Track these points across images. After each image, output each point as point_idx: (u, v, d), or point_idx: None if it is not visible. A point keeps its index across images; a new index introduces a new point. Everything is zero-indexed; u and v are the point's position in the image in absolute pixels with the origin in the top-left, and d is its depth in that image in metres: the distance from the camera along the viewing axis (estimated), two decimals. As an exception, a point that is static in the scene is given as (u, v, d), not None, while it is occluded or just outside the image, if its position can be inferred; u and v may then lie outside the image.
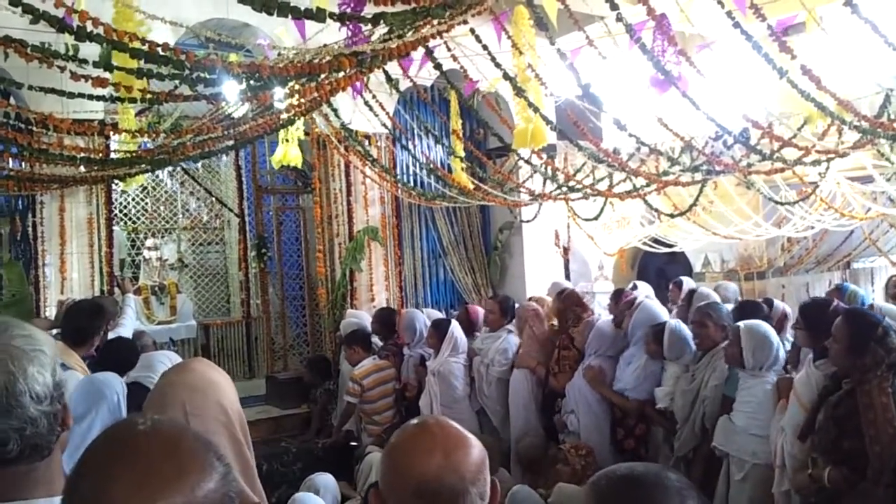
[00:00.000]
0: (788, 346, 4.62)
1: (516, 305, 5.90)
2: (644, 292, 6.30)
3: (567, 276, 8.82)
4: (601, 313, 7.37)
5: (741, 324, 4.00)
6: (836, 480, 3.15)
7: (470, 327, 6.00)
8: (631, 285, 6.86)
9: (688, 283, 6.77)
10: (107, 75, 3.82)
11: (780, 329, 4.80)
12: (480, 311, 6.16)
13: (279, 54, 4.89)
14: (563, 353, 5.09)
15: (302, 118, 5.49)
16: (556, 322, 5.63)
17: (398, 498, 1.38)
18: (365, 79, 5.21)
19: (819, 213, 7.63)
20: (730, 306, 5.02)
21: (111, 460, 0.94)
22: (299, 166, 6.97)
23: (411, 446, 1.40)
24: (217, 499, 0.94)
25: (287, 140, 6.24)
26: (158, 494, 0.89)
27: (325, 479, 4.13)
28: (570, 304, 5.32)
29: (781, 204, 7.34)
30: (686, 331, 4.54)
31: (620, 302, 5.91)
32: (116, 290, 6.78)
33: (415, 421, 1.51)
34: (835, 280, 9.51)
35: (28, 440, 1.19)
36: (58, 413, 1.25)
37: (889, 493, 2.97)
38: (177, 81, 4.07)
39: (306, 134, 7.27)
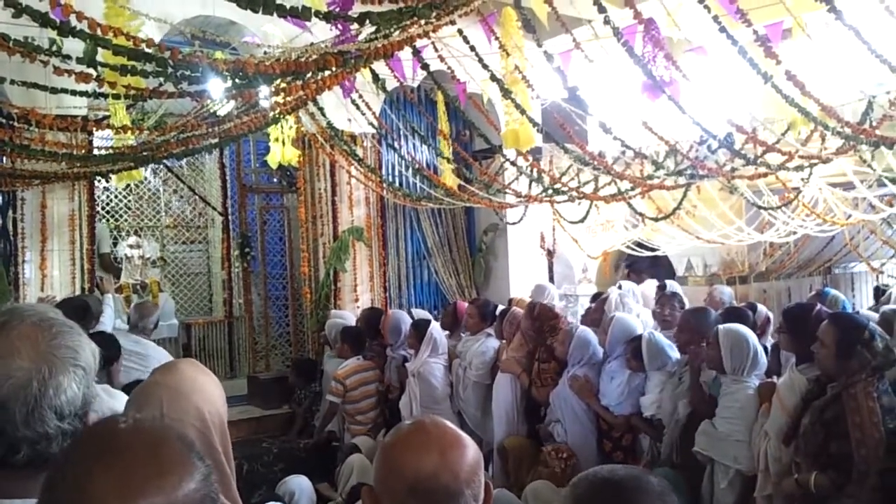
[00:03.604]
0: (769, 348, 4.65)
1: (499, 308, 5.90)
2: (627, 291, 6.34)
3: (551, 279, 8.84)
4: (577, 314, 7.41)
5: (720, 326, 4.02)
6: (822, 486, 3.17)
7: (457, 324, 5.99)
8: (617, 286, 6.88)
9: (671, 286, 6.80)
10: (90, 71, 3.79)
11: (761, 333, 4.82)
12: (467, 308, 6.16)
13: (265, 52, 4.87)
14: (543, 366, 5.03)
15: (288, 117, 5.47)
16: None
17: (393, 497, 1.37)
18: (352, 78, 5.20)
19: (801, 218, 7.69)
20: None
21: (91, 458, 0.92)
22: (295, 164, 6.95)
23: (407, 445, 1.41)
24: (198, 499, 0.93)
25: (277, 140, 6.21)
26: (139, 493, 0.88)
27: (300, 481, 4.13)
28: (543, 320, 5.16)
29: (764, 209, 7.39)
30: (662, 340, 4.56)
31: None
32: (96, 289, 6.73)
33: (410, 420, 1.52)
34: (816, 285, 9.59)
35: (38, 453, 1.18)
36: (77, 431, 1.22)
37: (875, 496, 3.00)
38: (161, 78, 4.04)
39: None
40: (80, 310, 4.14)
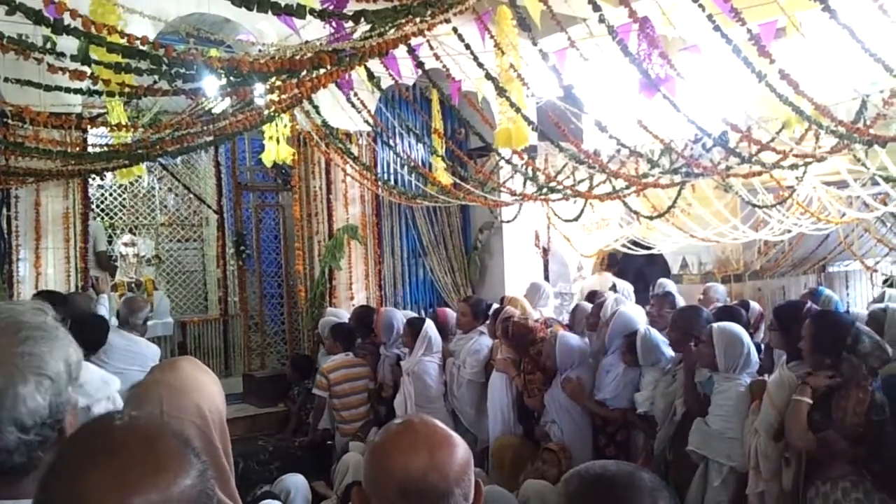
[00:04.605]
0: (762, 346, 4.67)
1: (494, 307, 5.90)
2: (618, 291, 6.34)
3: (546, 277, 8.84)
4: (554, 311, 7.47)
5: (714, 325, 4.04)
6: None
7: (441, 331, 5.96)
8: (610, 285, 6.88)
9: (665, 284, 6.81)
10: (84, 68, 3.78)
11: (754, 331, 4.84)
12: (451, 314, 6.14)
13: (259, 50, 4.86)
14: (529, 377, 5.02)
15: (283, 115, 5.46)
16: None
17: (382, 496, 1.37)
18: (348, 75, 5.20)
19: (796, 216, 7.71)
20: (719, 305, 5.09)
21: (86, 456, 0.92)
22: (290, 162, 6.95)
23: (396, 444, 1.40)
24: (194, 495, 0.93)
25: (271, 138, 6.21)
26: (134, 490, 0.89)
27: (296, 480, 4.13)
28: (519, 338, 5.10)
29: (759, 207, 7.40)
30: (658, 336, 4.57)
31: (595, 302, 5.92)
32: (91, 289, 6.71)
33: (399, 419, 1.51)
34: (810, 283, 9.63)
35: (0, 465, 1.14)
36: (48, 439, 1.16)
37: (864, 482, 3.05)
38: (156, 76, 4.03)
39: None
40: (57, 304, 4.09)
